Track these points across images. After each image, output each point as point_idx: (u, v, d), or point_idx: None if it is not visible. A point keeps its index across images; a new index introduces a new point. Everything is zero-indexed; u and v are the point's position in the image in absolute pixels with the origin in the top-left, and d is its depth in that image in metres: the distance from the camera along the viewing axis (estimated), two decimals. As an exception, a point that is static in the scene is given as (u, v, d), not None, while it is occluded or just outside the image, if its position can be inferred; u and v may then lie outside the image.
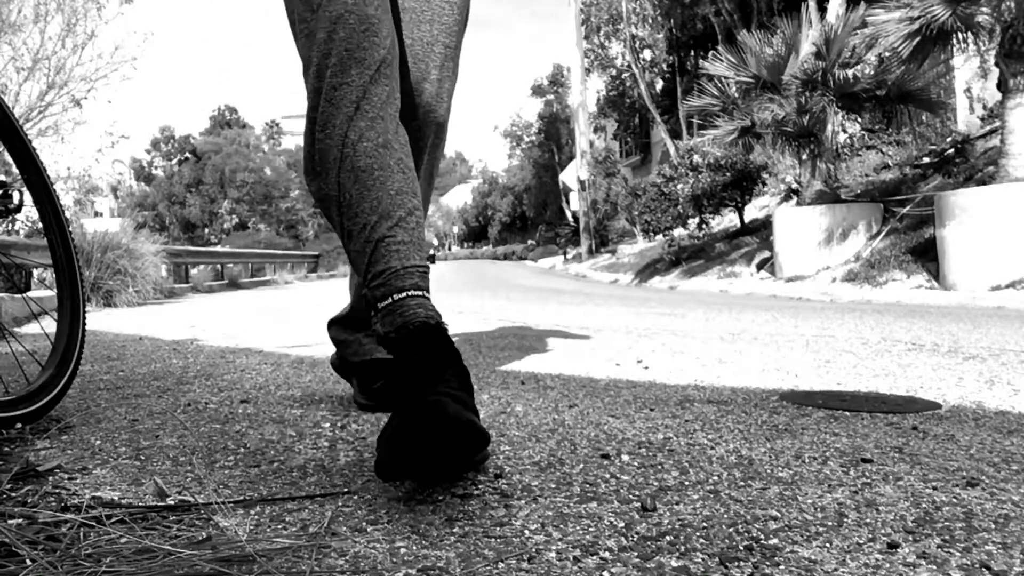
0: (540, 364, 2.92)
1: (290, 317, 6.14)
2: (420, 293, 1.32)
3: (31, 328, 4.65)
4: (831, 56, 10.64)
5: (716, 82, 11.97)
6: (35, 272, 7.83)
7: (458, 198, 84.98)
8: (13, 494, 1.17)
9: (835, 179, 11.38)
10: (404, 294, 1.31)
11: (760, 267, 11.99)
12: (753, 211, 16.83)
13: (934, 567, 0.90)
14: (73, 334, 2.00)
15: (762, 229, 14.35)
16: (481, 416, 1.88)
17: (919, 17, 8.29)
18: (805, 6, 11.18)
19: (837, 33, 10.56)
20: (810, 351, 3.28)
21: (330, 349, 2.47)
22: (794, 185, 13.60)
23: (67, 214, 2.17)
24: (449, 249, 74.93)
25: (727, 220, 17.54)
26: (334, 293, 11.09)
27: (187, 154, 58.71)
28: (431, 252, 55.86)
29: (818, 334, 4.04)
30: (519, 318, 5.45)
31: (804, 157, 11.34)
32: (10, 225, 8.22)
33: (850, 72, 10.59)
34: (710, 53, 12.39)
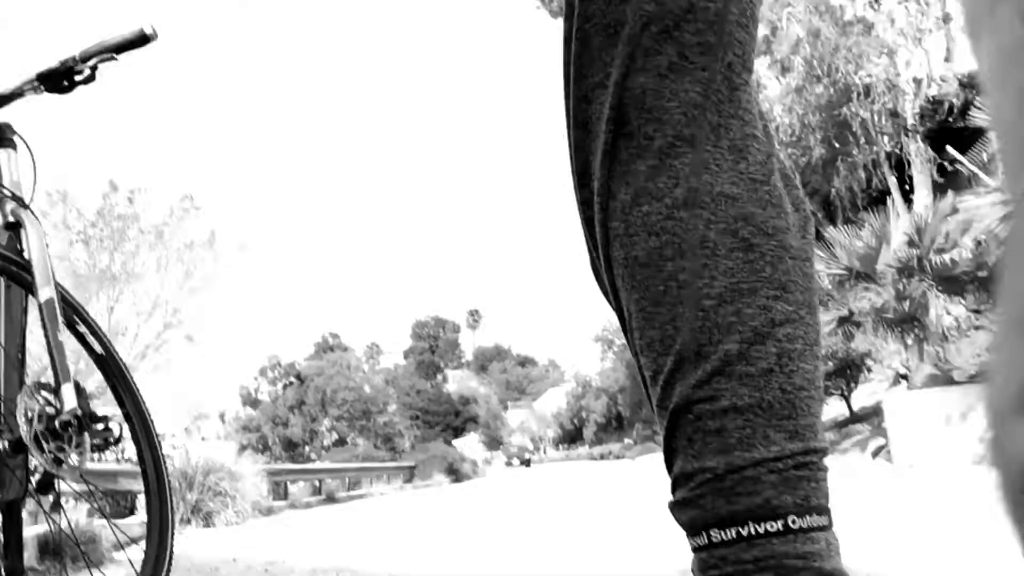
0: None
1: (382, 533, 5.99)
2: (779, 526, 0.62)
3: (134, 553, 4.63)
4: (925, 243, 10.69)
5: (808, 277, 12.02)
6: (140, 497, 7.99)
7: (552, 403, 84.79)
8: None
9: (946, 361, 10.96)
10: (732, 531, 0.63)
11: (875, 455, 11.41)
12: (861, 398, 16.27)
13: None
14: (160, 560, 1.95)
15: (873, 416, 13.77)
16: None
17: (1011, 200, 8.27)
18: (891, 199, 11.43)
19: (928, 221, 10.70)
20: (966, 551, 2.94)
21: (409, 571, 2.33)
22: (902, 370, 13.13)
23: (175, 440, 2.20)
24: (544, 452, 73.86)
25: (834, 409, 16.95)
26: (427, 505, 10.87)
27: (292, 379, 60.98)
28: (526, 456, 55.05)
29: (957, 534, 3.66)
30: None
31: (909, 342, 11.06)
32: (121, 453, 8.51)
33: (947, 257, 10.58)
34: (799, 250, 12.54)
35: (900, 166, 18.57)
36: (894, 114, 18.20)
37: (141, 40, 1.62)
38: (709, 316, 0.65)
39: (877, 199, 17.36)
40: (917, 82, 18.40)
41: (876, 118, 18.19)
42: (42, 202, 13.25)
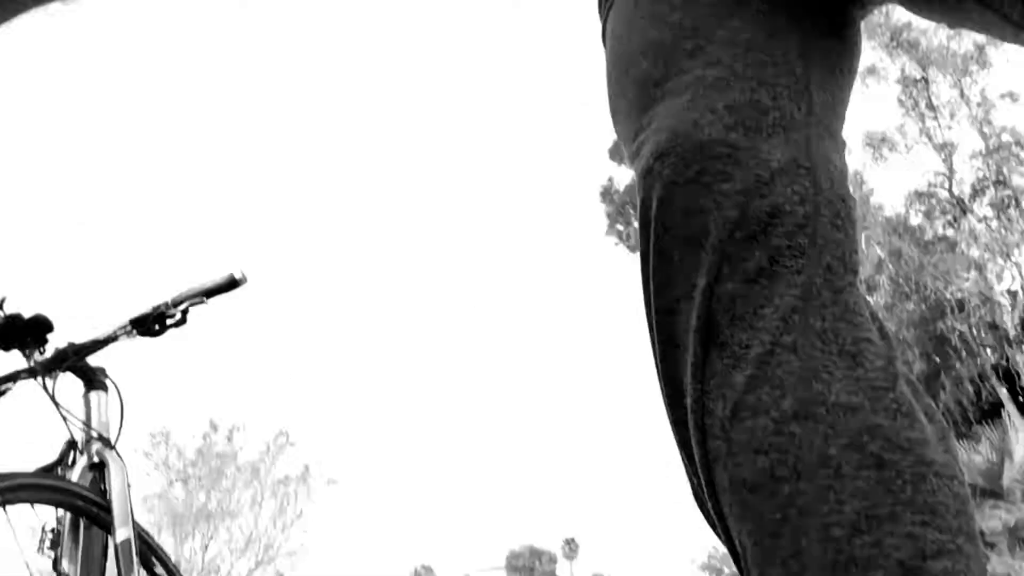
0: None
1: None
2: None
3: None
4: (1049, 454, 10.08)
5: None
6: None
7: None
8: None
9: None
10: None
11: None
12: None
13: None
14: None
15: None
16: None
17: None
18: (1005, 412, 11.03)
19: (1050, 435, 10.17)
20: None
21: None
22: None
23: None
24: None
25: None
26: None
27: (379, 621, 58.53)
28: None
29: None
30: None
31: (1054, 566, 10.09)
32: None
33: (1082, 472, 9.95)
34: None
35: (1009, 377, 17.80)
36: (993, 326, 17.71)
37: (231, 285, 1.72)
38: (842, 549, 0.53)
39: (990, 412, 16.52)
40: (1012, 294, 18.04)
41: (975, 331, 17.72)
42: (146, 443, 13.79)
